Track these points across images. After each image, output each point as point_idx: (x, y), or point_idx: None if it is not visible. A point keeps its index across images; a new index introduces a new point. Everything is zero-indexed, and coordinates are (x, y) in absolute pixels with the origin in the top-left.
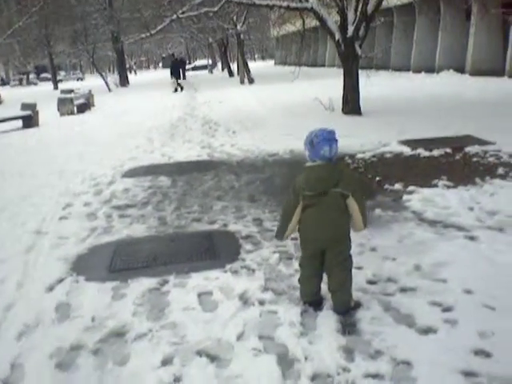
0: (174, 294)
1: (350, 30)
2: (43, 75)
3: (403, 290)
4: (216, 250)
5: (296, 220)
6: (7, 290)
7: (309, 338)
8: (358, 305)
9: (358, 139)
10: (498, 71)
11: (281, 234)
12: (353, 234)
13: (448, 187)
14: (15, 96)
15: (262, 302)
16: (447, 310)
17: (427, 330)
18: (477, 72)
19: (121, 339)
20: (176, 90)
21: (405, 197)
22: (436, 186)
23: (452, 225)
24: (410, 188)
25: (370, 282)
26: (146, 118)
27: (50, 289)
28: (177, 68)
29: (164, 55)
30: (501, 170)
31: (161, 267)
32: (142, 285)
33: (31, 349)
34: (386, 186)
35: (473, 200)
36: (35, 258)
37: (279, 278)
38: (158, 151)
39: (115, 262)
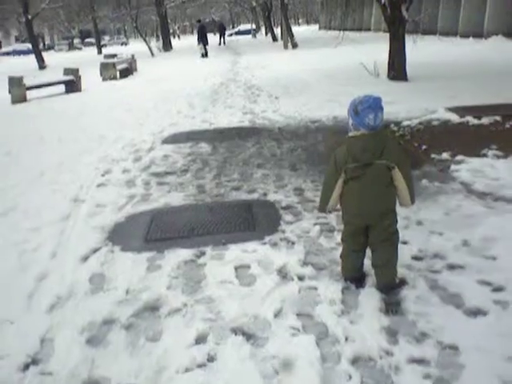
0: (211, 267)
1: None
2: (87, 40)
3: (451, 267)
4: (255, 220)
5: (338, 193)
6: (40, 260)
7: (350, 317)
8: (403, 282)
9: (404, 106)
10: None
11: (323, 207)
12: (398, 208)
13: (498, 157)
14: (59, 61)
15: (301, 277)
16: (497, 289)
17: (476, 312)
18: None
19: (154, 314)
20: (203, 56)
21: (452, 167)
22: (485, 155)
23: (503, 198)
24: (458, 158)
25: (416, 258)
26: (188, 83)
27: (85, 259)
28: (204, 33)
29: (207, 20)
30: None
31: (198, 238)
32: (178, 256)
33: (62, 323)
34: (433, 156)
35: None
36: (71, 226)
37: (320, 252)
38: (199, 117)
39: (152, 232)
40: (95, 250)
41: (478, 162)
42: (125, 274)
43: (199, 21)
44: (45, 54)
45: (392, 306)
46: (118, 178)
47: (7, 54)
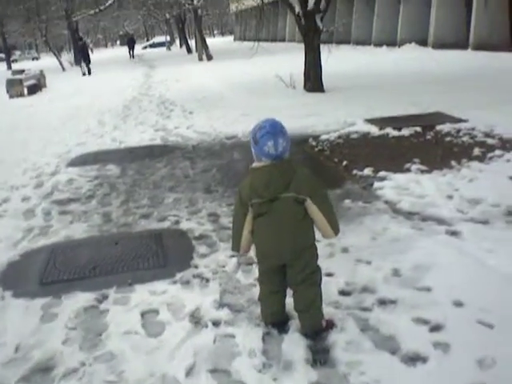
0: (114, 314)
1: (311, 2)
2: None
3: (382, 302)
4: (165, 254)
5: (248, 229)
6: None
7: (272, 371)
8: (330, 324)
9: (322, 118)
10: (461, 44)
11: (236, 247)
12: (318, 232)
13: (422, 172)
14: None
15: (216, 323)
16: (436, 329)
17: (414, 359)
18: (440, 45)
19: (47, 376)
20: (84, 74)
21: (376, 184)
22: (409, 170)
23: (430, 217)
24: (381, 173)
25: (343, 293)
26: (99, 98)
27: None
28: (84, 51)
29: (121, 33)
30: (477, 151)
31: (101, 278)
32: (77, 302)
33: None
34: (355, 172)
35: (451, 187)
36: None
37: (237, 290)
38: (108, 135)
39: (49, 273)
40: None
41: (402, 178)
42: (16, 325)
43: (81, 38)
44: None
45: (320, 355)
46: (16, 207)
47: None
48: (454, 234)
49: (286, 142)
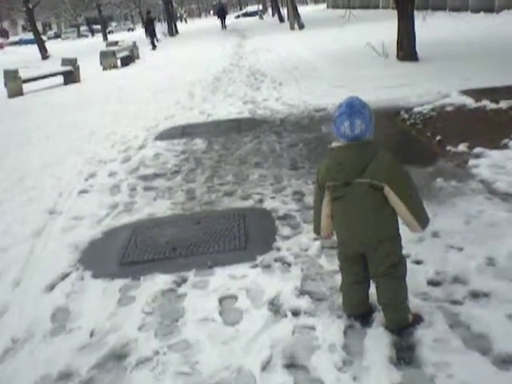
0: (192, 298)
1: None
2: (95, 27)
3: (474, 295)
4: (247, 235)
5: (326, 213)
6: (1, 289)
7: (353, 370)
8: (417, 319)
9: (415, 89)
10: None
11: (316, 230)
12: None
13: None
14: (63, 50)
15: (296, 313)
16: None
17: (508, 361)
18: None
19: (120, 365)
20: (153, 48)
21: (471, 161)
22: (507, 146)
23: None
24: (477, 150)
25: (433, 283)
26: (190, 69)
27: (51, 288)
28: (151, 25)
29: (214, 2)
30: None
31: (181, 259)
32: (155, 284)
33: (12, 377)
34: (449, 148)
35: None
36: (42, 245)
37: (319, 277)
38: (197, 108)
39: (129, 252)
40: (64, 277)
41: (499, 156)
42: (92, 308)
43: (149, 12)
44: (51, 43)
45: (404, 353)
46: (102, 182)
47: (15, 43)
48: None
49: (366, 124)
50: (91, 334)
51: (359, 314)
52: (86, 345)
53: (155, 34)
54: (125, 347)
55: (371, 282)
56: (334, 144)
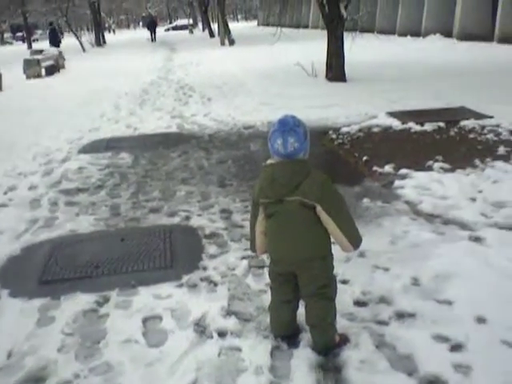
0: (114, 319)
1: None
2: (19, 34)
3: (400, 315)
4: (173, 253)
5: (260, 231)
6: None
7: None
8: (344, 340)
9: (343, 110)
10: (486, 36)
11: (252, 249)
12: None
13: (445, 170)
14: None
15: (222, 334)
16: (457, 348)
17: (433, 382)
18: (464, 36)
19: None
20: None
21: (396, 182)
22: (431, 168)
23: (453, 220)
24: (402, 171)
25: (359, 304)
26: (117, 81)
27: None
28: (54, 35)
29: (144, 14)
30: (502, 150)
31: (103, 278)
32: (76, 304)
33: None
34: (375, 168)
35: (474, 188)
36: None
37: (246, 297)
38: (123, 121)
39: (49, 270)
40: None
41: (424, 177)
42: (10, 329)
43: (51, 23)
44: None
45: (331, 375)
46: (22, 195)
47: None
48: (477, 240)
49: (300, 143)
50: (8, 356)
51: (287, 335)
52: (2, 367)
53: (59, 45)
54: (43, 370)
55: (300, 302)
56: (269, 161)
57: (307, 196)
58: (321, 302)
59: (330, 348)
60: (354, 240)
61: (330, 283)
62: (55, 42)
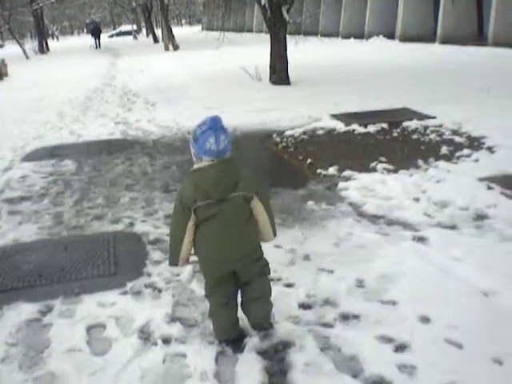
0: (58, 328)
1: None
2: None
3: (344, 317)
4: (117, 260)
5: (189, 239)
6: None
7: None
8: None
9: (287, 113)
10: (428, 37)
11: (175, 260)
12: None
13: (388, 171)
14: None
15: (167, 340)
16: (401, 348)
17: (379, 383)
18: (407, 38)
19: None
20: None
21: (340, 184)
22: (375, 170)
23: (396, 221)
24: (346, 173)
25: (304, 307)
26: (61, 88)
27: None
28: None
29: (87, 21)
30: (445, 150)
31: (46, 287)
32: (19, 314)
33: None
34: (319, 171)
35: (417, 188)
36: None
37: (191, 302)
38: (67, 128)
39: None
40: None
41: (368, 178)
42: None
43: None
44: None
45: (276, 379)
46: None
47: None
48: (420, 239)
49: (228, 140)
50: None
51: (232, 338)
52: None
53: None
54: None
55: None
56: (203, 164)
57: (248, 190)
58: (263, 278)
59: (266, 324)
60: (275, 229)
61: (267, 262)
62: None
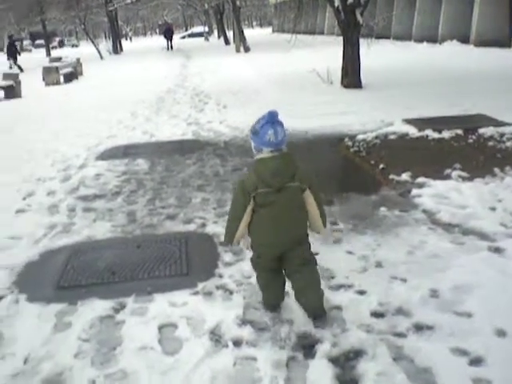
0: (130, 326)
1: None
2: (38, 42)
3: (418, 327)
4: (189, 260)
5: (246, 222)
6: None
7: None
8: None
9: (359, 117)
10: (503, 42)
11: (230, 239)
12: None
13: (463, 179)
14: (5, 63)
15: (237, 343)
16: (476, 362)
17: None
18: (481, 43)
19: None
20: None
21: (414, 191)
22: (449, 177)
23: (472, 231)
24: (420, 180)
25: (376, 315)
26: (134, 88)
27: None
28: (12, 48)
29: (160, 22)
30: None
31: (120, 284)
32: (93, 310)
33: None
34: (392, 176)
35: (494, 197)
36: None
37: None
38: (140, 128)
39: (66, 276)
40: None
41: (442, 186)
42: (27, 333)
43: (10, 37)
44: None
45: None
46: (40, 201)
47: None
48: (497, 250)
49: (284, 133)
50: (25, 361)
51: (278, 303)
52: (19, 372)
53: (16, 57)
54: (59, 375)
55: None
56: (264, 155)
57: (303, 182)
58: (310, 266)
59: (320, 311)
60: (325, 221)
61: (312, 252)
62: (13, 54)
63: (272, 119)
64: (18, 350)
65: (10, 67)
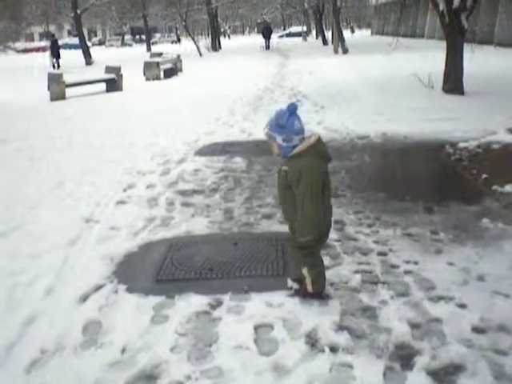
0: (227, 323)
1: (457, 0)
2: (138, 37)
3: None
4: (285, 261)
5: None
6: (33, 297)
7: None
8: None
9: (461, 124)
10: None
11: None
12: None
13: None
14: (107, 57)
15: (334, 349)
16: None
17: None
18: None
19: None
20: (54, 67)
21: None
22: None
23: None
24: None
25: (477, 330)
26: (232, 86)
27: (84, 299)
28: (55, 47)
29: (259, 21)
30: None
31: (216, 281)
32: (190, 304)
33: None
34: (495, 187)
35: None
36: (76, 254)
37: (359, 312)
38: (237, 126)
39: (165, 269)
40: (97, 289)
41: None
42: (125, 324)
43: (53, 35)
44: (95, 49)
45: None
46: (140, 194)
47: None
48: None
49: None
50: (122, 351)
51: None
52: (116, 361)
53: (58, 56)
54: (156, 368)
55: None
56: (312, 139)
57: None
58: None
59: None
60: None
61: None
62: (57, 53)
63: (293, 110)
64: (115, 340)
65: (53, 66)
